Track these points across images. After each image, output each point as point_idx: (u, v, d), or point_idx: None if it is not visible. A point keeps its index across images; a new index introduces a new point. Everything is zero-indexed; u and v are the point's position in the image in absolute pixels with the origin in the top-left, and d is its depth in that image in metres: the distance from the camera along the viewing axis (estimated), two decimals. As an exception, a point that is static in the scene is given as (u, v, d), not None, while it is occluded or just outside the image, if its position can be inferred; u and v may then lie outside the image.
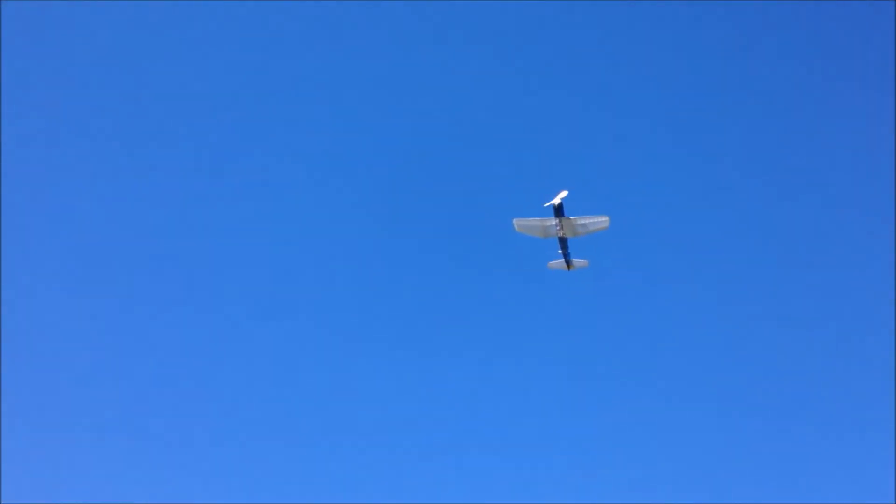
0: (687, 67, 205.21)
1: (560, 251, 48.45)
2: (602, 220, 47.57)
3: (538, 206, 47.21)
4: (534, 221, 47.02)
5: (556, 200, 45.95)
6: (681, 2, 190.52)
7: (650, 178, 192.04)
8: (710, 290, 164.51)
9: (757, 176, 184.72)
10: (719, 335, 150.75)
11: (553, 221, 46.55)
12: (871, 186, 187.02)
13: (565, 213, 46.06)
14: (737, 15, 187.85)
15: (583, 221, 47.37)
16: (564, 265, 49.38)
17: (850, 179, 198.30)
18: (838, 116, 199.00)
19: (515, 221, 47.27)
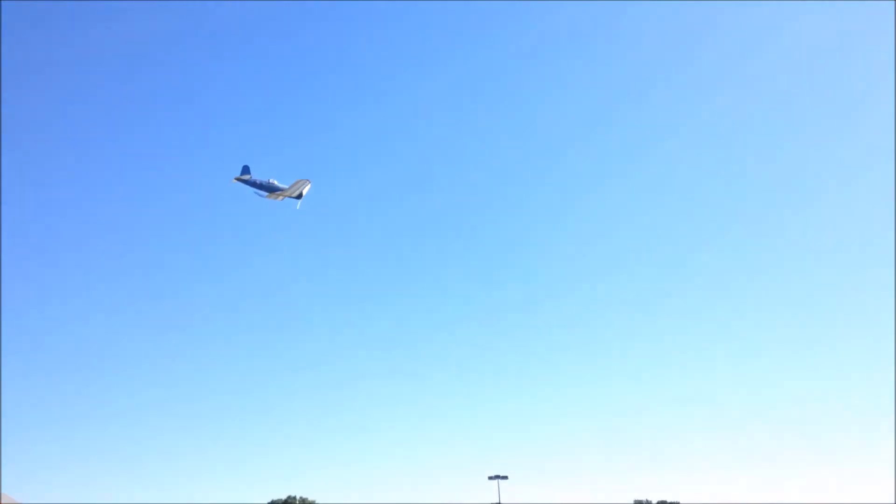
0: (684, 66, 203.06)
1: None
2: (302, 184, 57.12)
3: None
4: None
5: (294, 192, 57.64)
6: (672, 2, 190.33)
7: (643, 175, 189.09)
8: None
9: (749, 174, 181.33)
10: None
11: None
12: (869, 185, 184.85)
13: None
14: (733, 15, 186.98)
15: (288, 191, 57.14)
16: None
17: (848, 178, 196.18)
18: (838, 116, 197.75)
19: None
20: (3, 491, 63.45)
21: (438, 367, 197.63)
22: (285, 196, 57.54)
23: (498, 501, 62.84)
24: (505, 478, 63.14)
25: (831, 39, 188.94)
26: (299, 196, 57.88)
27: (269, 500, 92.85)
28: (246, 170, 56.69)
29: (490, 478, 62.89)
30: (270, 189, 58.20)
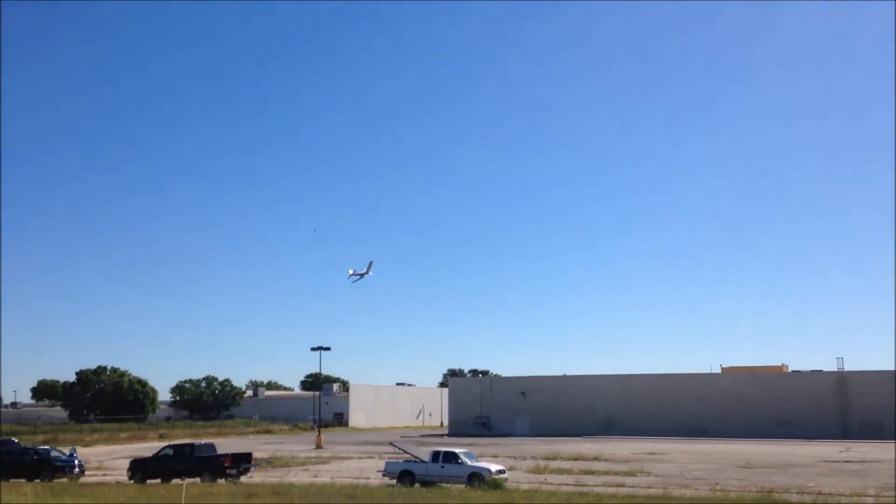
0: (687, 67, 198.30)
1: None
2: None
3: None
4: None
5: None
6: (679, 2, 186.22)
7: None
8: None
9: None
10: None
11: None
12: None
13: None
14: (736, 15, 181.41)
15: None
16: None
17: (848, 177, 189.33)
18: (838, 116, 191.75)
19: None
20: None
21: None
22: (364, 274, 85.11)
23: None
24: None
25: (831, 39, 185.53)
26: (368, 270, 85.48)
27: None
28: (348, 272, 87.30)
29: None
30: (362, 274, 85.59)
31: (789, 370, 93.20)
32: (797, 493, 29.93)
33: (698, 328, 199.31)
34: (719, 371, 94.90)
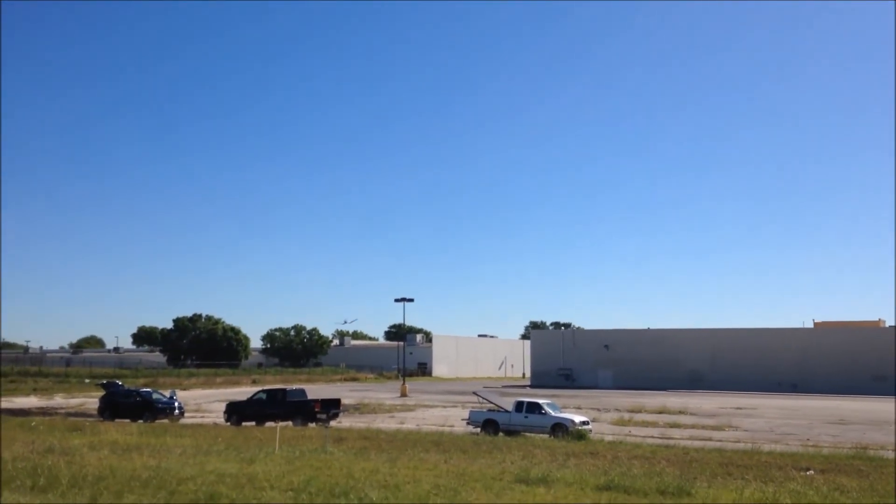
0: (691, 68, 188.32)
1: None
2: None
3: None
4: None
5: None
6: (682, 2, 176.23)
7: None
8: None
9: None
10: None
11: None
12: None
13: None
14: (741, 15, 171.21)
15: None
16: None
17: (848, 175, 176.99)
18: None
19: None
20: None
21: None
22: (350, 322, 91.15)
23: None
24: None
25: (831, 39, 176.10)
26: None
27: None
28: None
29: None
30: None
31: (886, 325, 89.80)
32: (893, 451, 29.02)
33: (787, 283, 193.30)
34: (811, 326, 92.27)
